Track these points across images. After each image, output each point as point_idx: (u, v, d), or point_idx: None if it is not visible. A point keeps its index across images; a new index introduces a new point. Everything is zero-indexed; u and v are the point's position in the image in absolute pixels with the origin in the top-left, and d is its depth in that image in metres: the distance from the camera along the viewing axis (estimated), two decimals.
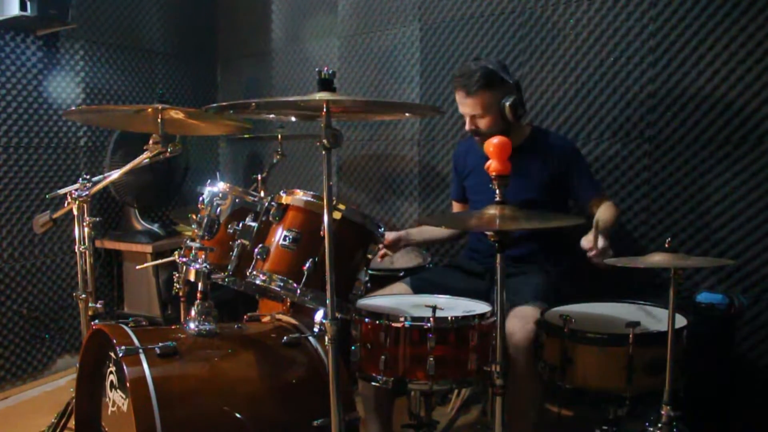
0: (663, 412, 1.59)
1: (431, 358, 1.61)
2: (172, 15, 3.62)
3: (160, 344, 1.57)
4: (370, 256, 1.77)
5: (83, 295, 2.09)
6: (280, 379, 1.71)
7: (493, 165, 1.46)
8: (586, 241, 1.88)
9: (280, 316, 1.96)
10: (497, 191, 1.48)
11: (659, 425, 1.59)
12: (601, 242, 1.84)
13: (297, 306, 2.09)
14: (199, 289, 1.77)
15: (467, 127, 2.21)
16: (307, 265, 1.61)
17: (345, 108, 1.61)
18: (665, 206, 2.45)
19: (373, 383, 1.70)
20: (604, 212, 2.13)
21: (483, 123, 2.18)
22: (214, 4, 3.87)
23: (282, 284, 1.64)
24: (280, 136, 2.90)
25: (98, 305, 2.09)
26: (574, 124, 2.63)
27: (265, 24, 3.66)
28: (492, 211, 1.48)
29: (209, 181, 1.88)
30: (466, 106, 2.18)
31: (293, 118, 1.84)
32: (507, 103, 2.14)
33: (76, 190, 2.04)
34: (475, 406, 2.59)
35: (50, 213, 2.14)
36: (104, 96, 3.28)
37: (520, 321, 1.86)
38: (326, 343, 1.39)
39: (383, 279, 2.36)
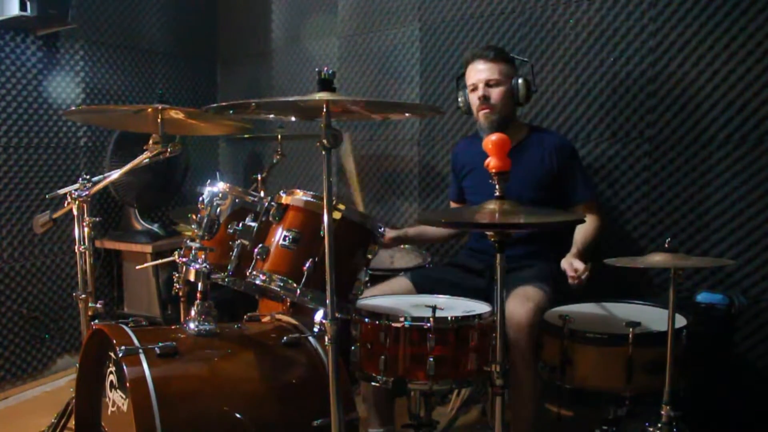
0: (663, 412, 1.59)
1: (431, 358, 1.61)
2: (172, 15, 3.62)
3: (160, 344, 1.57)
4: (370, 256, 1.77)
5: (83, 295, 2.08)
6: (280, 379, 1.71)
7: (492, 162, 1.46)
8: (567, 265, 1.96)
9: (280, 316, 1.96)
10: (497, 187, 1.48)
11: (659, 425, 1.60)
12: (580, 268, 1.92)
13: (297, 306, 2.09)
14: (199, 289, 1.77)
15: (479, 94, 2.22)
16: (307, 265, 1.61)
17: (345, 108, 1.61)
18: (665, 206, 2.44)
19: (373, 383, 1.71)
20: (584, 231, 2.16)
21: (495, 92, 2.21)
22: (214, 4, 3.87)
23: (282, 284, 1.64)
24: (280, 136, 2.90)
25: (98, 305, 2.09)
26: (574, 124, 2.63)
27: (265, 24, 3.66)
28: (491, 206, 1.48)
29: (209, 181, 1.88)
30: (482, 71, 2.22)
31: (293, 118, 1.85)
32: (521, 80, 2.21)
33: (76, 190, 2.04)
34: (475, 406, 2.59)
35: (50, 213, 2.14)
36: (104, 96, 3.28)
37: (520, 300, 1.88)
38: (326, 343, 1.39)
39: (383, 279, 2.36)
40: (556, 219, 1.60)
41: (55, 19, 2.79)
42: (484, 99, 2.21)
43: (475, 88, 2.25)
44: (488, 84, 2.21)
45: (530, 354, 1.83)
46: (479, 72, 2.23)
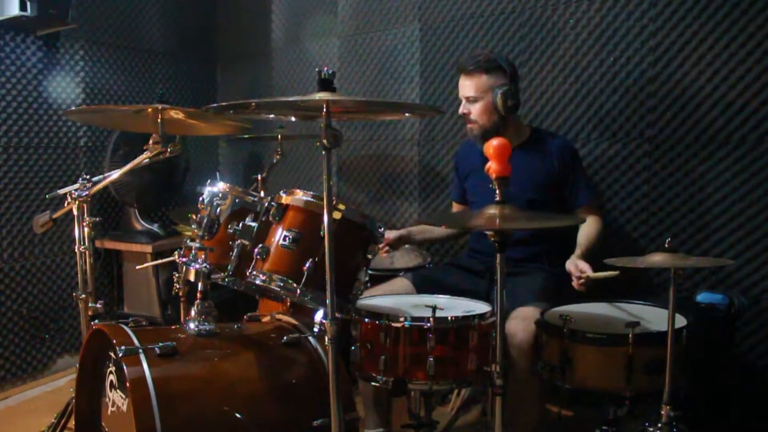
0: (663, 412, 1.59)
1: (431, 358, 1.61)
2: (172, 15, 3.62)
3: (160, 344, 1.57)
4: (370, 256, 1.77)
5: (83, 295, 2.09)
6: (280, 379, 1.71)
7: (493, 166, 1.46)
8: (573, 267, 1.95)
9: (280, 316, 1.96)
10: (497, 191, 1.48)
11: (659, 425, 1.60)
12: (585, 269, 1.91)
13: (297, 306, 2.09)
14: (199, 289, 1.77)
15: (460, 109, 2.24)
16: (307, 265, 1.61)
17: (345, 108, 1.61)
18: (665, 206, 2.44)
19: (373, 383, 1.71)
20: (587, 233, 2.14)
21: (474, 108, 2.20)
22: (214, 4, 3.87)
23: (282, 284, 1.64)
24: (280, 136, 2.90)
25: (98, 305, 2.10)
26: (574, 124, 2.63)
27: (265, 24, 3.66)
28: (492, 210, 1.48)
29: (209, 181, 1.88)
30: (463, 87, 2.22)
31: (293, 118, 1.85)
32: (499, 92, 2.16)
33: (76, 190, 2.04)
34: (475, 406, 2.59)
35: (50, 213, 2.14)
36: (104, 96, 3.28)
37: (522, 322, 1.86)
38: (326, 343, 1.39)
39: (383, 279, 2.36)
40: (554, 223, 1.60)
41: (55, 19, 2.78)
42: (465, 117, 2.23)
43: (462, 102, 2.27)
44: (468, 100, 2.21)
45: (532, 370, 1.82)
46: (461, 87, 2.23)
